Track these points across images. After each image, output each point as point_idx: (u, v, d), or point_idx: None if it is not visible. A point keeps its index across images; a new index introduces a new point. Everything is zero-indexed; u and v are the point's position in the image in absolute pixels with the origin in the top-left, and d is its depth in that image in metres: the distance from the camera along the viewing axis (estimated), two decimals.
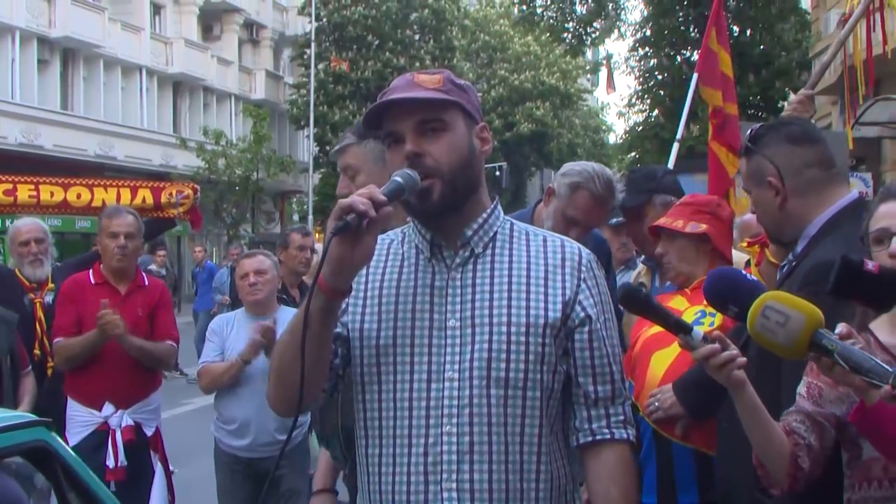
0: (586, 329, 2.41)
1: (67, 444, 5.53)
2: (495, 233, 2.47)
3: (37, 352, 6.48)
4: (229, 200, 35.73)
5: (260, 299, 5.81)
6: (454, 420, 2.34)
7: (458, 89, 2.44)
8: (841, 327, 2.30)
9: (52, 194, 7.42)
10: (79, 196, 7.44)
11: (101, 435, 5.64)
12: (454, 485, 2.32)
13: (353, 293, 2.42)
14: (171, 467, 7.73)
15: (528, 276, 2.42)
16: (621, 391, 2.47)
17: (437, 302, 2.40)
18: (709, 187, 6.55)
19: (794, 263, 3.07)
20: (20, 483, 3.86)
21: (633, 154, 28.10)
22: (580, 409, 2.45)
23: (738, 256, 4.38)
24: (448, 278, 2.42)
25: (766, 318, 2.27)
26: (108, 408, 5.67)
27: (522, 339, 2.36)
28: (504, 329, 2.36)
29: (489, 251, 2.44)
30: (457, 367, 2.36)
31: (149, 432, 5.83)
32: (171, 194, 7.32)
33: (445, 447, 2.33)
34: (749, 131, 3.19)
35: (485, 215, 2.47)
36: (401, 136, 2.38)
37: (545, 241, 2.49)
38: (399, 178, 2.29)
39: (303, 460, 5.95)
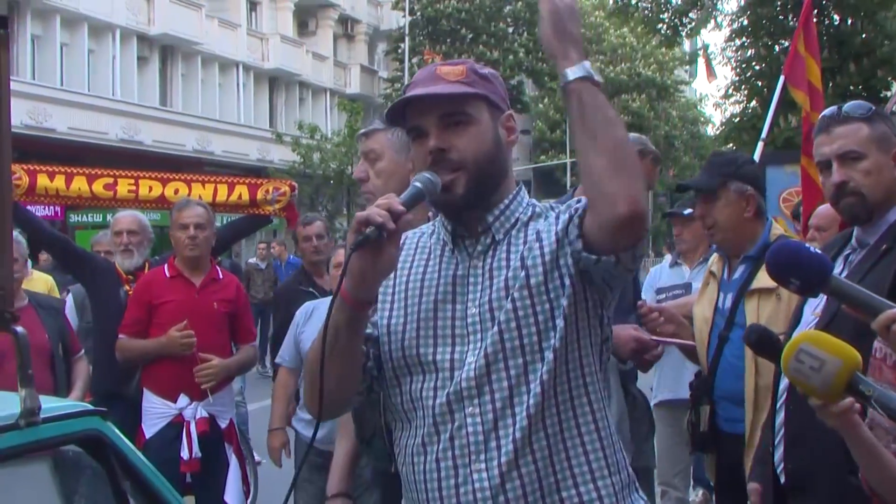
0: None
1: (144, 435, 5.64)
2: (517, 219, 2.41)
3: None
4: (325, 194, 36.07)
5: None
6: (475, 401, 2.30)
7: (481, 80, 2.42)
8: None
9: (150, 189, 7.45)
10: (176, 192, 7.44)
11: (177, 427, 5.70)
12: (483, 465, 2.29)
13: (381, 291, 2.42)
14: (256, 457, 7.82)
15: (542, 248, 2.34)
16: None
17: (459, 291, 2.38)
18: (802, 203, 6.78)
19: None
20: (75, 471, 3.91)
21: (729, 145, 27.58)
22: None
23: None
24: (469, 266, 2.39)
25: (799, 363, 2.17)
26: (182, 399, 5.72)
27: (528, 302, 2.30)
28: (510, 304, 2.31)
29: (508, 237, 2.39)
30: (478, 352, 2.32)
31: (223, 424, 5.87)
32: (267, 191, 7.26)
33: (471, 429, 2.31)
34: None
35: (506, 201, 2.42)
36: (424, 131, 2.36)
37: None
38: (419, 184, 2.27)
39: None
